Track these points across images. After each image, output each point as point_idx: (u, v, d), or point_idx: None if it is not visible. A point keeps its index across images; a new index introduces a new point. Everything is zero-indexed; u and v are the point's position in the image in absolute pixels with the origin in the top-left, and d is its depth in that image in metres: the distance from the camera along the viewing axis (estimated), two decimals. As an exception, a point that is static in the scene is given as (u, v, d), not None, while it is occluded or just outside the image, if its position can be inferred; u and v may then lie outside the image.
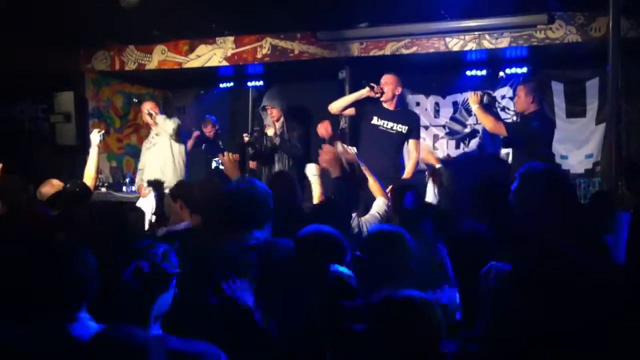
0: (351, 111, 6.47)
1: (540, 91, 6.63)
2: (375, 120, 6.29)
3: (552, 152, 6.26)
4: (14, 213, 4.03)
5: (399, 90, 6.37)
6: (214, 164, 8.63)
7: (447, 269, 3.09)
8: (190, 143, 8.45)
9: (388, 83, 6.30)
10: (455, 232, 3.24)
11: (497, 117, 6.58)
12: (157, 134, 7.20)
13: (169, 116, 7.39)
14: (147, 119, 7.23)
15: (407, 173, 6.24)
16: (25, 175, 5.13)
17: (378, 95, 6.24)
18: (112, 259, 2.46)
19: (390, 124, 6.28)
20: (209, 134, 8.95)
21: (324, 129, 5.83)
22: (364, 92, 6.29)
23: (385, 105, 6.33)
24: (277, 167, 7.07)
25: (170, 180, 6.59)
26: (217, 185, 4.45)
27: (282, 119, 7.19)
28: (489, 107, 6.48)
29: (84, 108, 8.81)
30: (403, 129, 6.30)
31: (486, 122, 6.30)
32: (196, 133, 8.93)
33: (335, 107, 6.45)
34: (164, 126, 7.10)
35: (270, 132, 7.19)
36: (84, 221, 3.64)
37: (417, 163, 6.37)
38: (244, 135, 7.55)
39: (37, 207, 4.10)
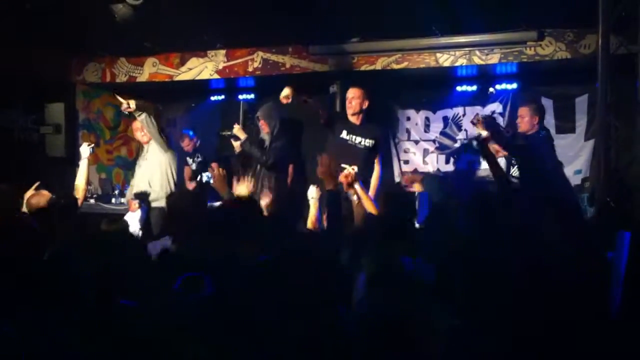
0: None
1: (542, 110, 6.71)
2: (344, 135, 6.27)
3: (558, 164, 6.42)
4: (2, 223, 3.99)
5: (365, 104, 6.31)
6: (204, 178, 8.61)
7: None
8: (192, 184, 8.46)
9: (355, 97, 6.26)
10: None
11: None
12: (147, 151, 6.68)
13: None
14: (137, 134, 6.73)
15: (372, 188, 6.13)
16: (13, 185, 5.09)
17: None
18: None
19: (358, 139, 6.24)
20: (187, 148, 8.92)
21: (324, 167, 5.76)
22: None
23: (351, 119, 6.30)
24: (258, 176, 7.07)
25: (157, 192, 6.45)
26: (195, 197, 4.47)
27: (269, 134, 7.28)
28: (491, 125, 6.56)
29: (74, 119, 8.80)
30: (370, 143, 6.28)
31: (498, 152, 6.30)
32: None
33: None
34: (149, 129, 6.47)
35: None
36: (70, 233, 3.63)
37: (380, 177, 6.35)
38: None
39: (23, 219, 4.07)
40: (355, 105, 6.23)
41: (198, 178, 8.56)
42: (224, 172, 4.83)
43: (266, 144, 7.19)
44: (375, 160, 6.37)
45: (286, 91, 6.09)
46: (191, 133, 8.93)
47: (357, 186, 4.80)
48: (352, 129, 6.26)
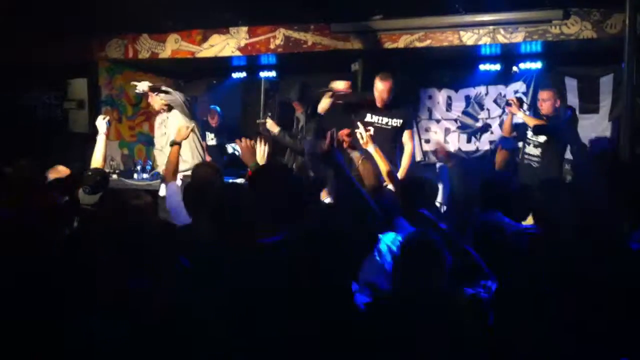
0: (347, 85, 6.49)
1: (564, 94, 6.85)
2: (369, 117, 6.23)
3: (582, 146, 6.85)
4: (26, 199, 4.03)
5: (390, 95, 6.26)
6: (230, 149, 8.64)
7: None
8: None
9: (385, 90, 6.19)
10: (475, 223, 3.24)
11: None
12: (167, 118, 6.74)
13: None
14: (153, 102, 6.77)
15: (404, 165, 6.20)
16: (37, 161, 5.13)
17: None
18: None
19: (385, 119, 6.22)
20: (213, 123, 9.01)
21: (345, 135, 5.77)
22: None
23: (378, 105, 6.27)
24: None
25: (189, 163, 6.51)
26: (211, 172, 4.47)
27: (304, 113, 7.30)
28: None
29: (97, 96, 8.86)
30: (398, 122, 6.25)
31: (534, 123, 6.63)
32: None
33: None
34: (173, 99, 6.57)
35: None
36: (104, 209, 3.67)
37: (412, 155, 6.38)
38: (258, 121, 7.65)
39: (51, 194, 4.11)
40: (387, 97, 6.19)
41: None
42: (252, 143, 4.75)
43: (301, 123, 7.17)
44: (407, 138, 6.35)
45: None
46: (219, 109, 8.99)
47: (371, 147, 4.83)
48: (378, 111, 6.24)
